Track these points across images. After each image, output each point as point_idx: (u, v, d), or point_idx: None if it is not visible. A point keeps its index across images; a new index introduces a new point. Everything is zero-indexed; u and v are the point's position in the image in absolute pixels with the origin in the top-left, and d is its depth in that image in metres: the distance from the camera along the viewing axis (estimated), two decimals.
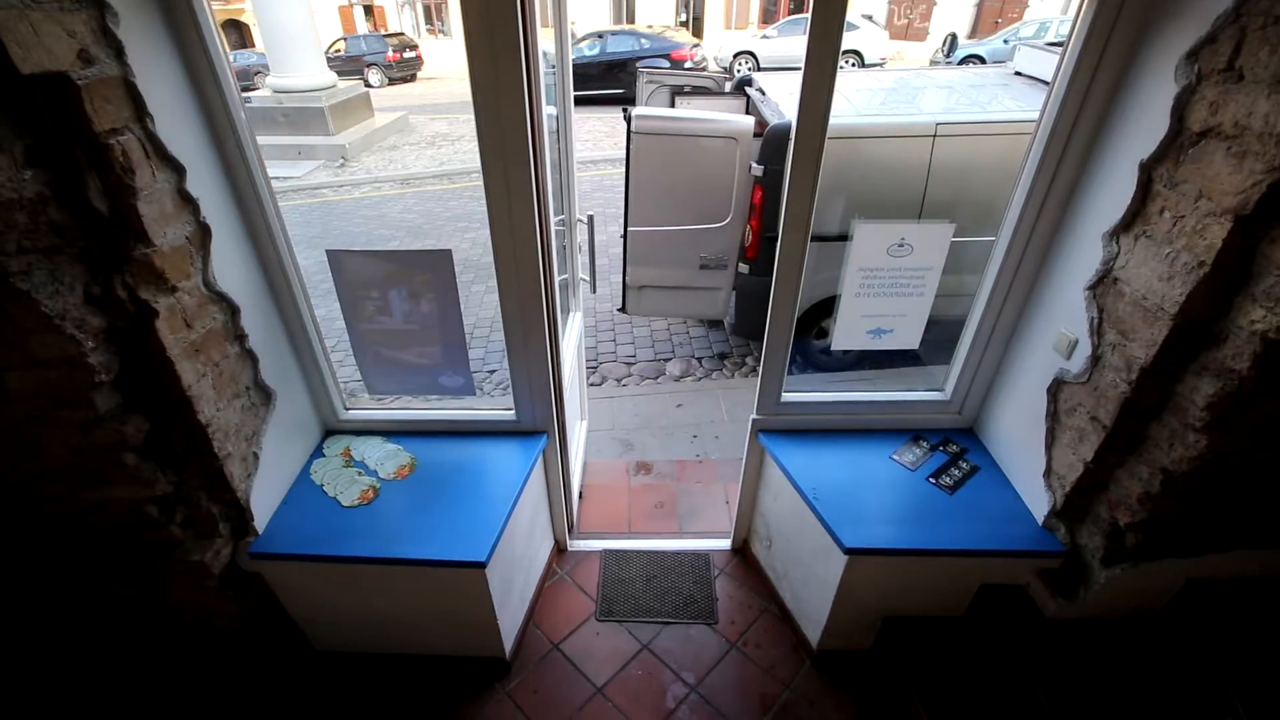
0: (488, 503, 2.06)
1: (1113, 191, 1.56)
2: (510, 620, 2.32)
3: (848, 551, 1.91)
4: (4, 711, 2.05)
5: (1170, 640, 1.92)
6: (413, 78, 18.57)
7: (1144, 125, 1.45)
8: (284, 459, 2.06)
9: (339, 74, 12.41)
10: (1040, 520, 1.92)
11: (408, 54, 18.00)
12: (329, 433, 2.31)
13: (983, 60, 13.68)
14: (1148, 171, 1.45)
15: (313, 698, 2.29)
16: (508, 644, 2.31)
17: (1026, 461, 1.97)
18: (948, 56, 13.63)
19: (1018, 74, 4.64)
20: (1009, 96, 4.20)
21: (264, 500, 1.93)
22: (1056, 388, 1.80)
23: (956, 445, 2.21)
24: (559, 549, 2.83)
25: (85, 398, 1.42)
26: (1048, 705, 1.85)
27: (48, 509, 1.66)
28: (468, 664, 2.33)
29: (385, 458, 2.21)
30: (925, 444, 2.23)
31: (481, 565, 1.90)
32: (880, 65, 14.60)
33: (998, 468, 2.13)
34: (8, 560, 1.78)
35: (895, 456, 2.19)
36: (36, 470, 1.56)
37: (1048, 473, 1.87)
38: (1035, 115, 1.70)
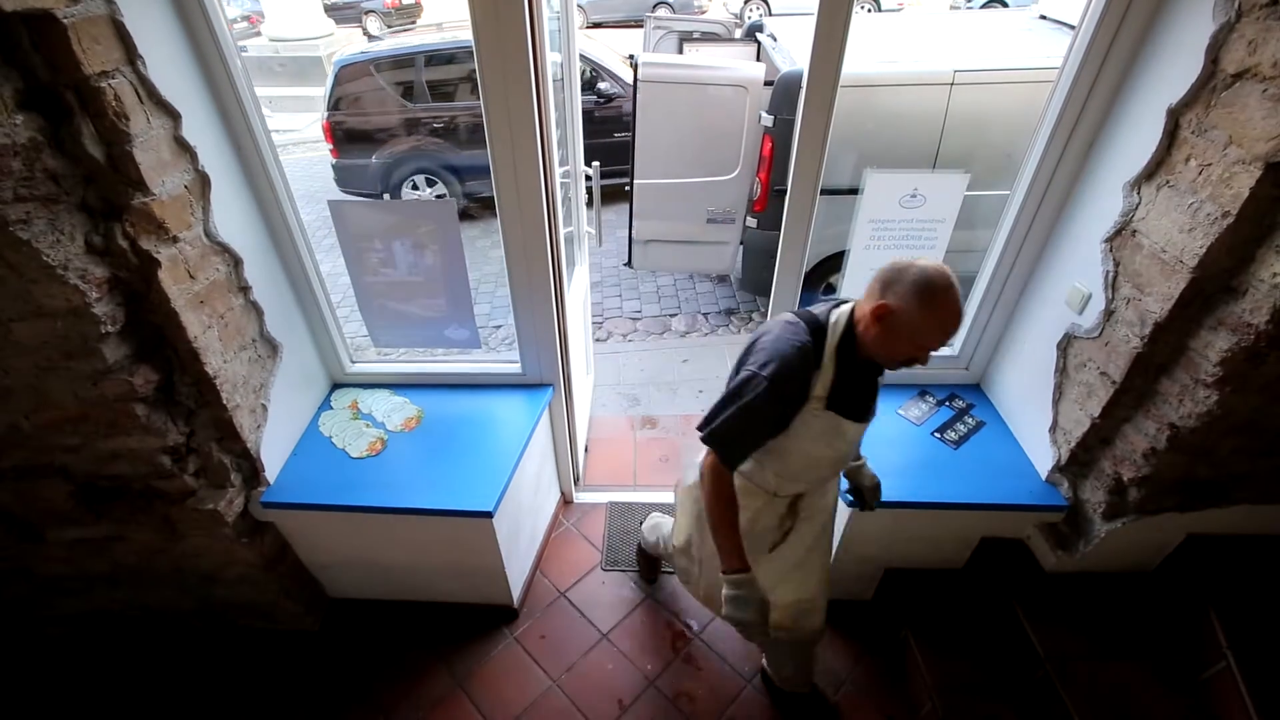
0: (495, 454, 2.08)
1: (1137, 139, 1.50)
2: (518, 569, 2.38)
3: (850, 504, 1.93)
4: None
5: (1167, 590, 1.95)
6: (412, 24, 17.95)
7: (1175, 68, 1.39)
8: (292, 411, 2.08)
9: (336, 22, 12.03)
10: (1044, 475, 1.93)
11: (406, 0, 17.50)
12: (336, 385, 2.33)
13: (1005, 4, 13.10)
14: (1175, 117, 1.40)
15: (325, 642, 2.37)
16: (516, 592, 2.37)
17: (1032, 417, 1.97)
18: (969, 1, 13.05)
19: (1043, 18, 4.45)
20: (1032, 42, 4.04)
21: (274, 451, 1.96)
22: (1067, 343, 1.78)
23: (963, 401, 2.21)
24: (565, 501, 2.88)
25: (93, 348, 1.42)
26: (1042, 652, 1.90)
27: (63, 459, 1.69)
28: (477, 611, 2.39)
29: (393, 410, 2.23)
30: (932, 399, 2.22)
31: (489, 515, 1.93)
32: (898, 10, 14.01)
33: (1004, 423, 2.12)
34: (28, 511, 1.83)
35: (901, 411, 2.19)
36: (50, 420, 1.58)
37: (1054, 428, 1.87)
38: (1059, 61, 1.63)
